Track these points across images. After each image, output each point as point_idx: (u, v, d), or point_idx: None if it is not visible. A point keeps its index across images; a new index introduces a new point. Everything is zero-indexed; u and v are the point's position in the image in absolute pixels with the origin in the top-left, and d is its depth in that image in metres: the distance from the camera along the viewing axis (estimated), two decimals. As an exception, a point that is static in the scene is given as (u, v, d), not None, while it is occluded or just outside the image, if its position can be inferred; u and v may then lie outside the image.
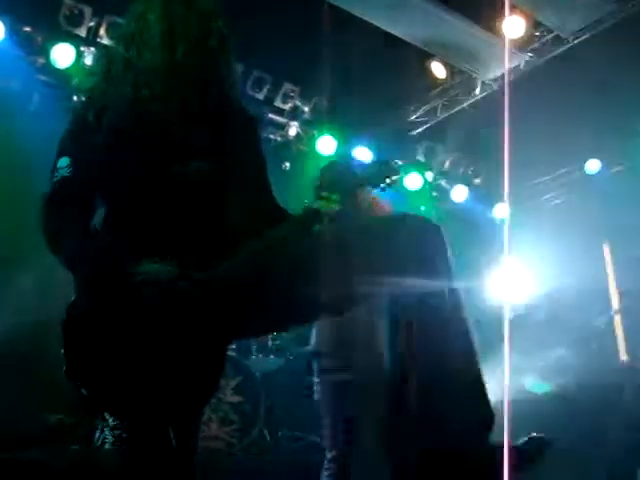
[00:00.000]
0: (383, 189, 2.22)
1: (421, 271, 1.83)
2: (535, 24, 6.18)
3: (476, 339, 1.85)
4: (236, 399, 5.08)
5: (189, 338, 1.87)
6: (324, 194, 2.03)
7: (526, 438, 1.83)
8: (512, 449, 1.77)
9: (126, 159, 1.97)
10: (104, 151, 1.96)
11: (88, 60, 5.81)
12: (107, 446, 1.84)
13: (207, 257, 1.94)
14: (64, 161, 1.96)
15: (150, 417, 1.83)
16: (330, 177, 3.89)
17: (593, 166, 7.85)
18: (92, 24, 5.75)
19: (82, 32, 5.74)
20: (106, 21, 5.70)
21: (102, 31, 5.74)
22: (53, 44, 5.65)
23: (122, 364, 1.82)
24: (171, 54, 2.02)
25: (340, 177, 3.90)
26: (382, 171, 2.19)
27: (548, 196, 8.66)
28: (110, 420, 1.84)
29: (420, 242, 1.86)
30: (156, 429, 1.86)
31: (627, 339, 6.94)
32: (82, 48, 5.78)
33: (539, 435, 1.83)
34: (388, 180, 2.20)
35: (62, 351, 1.84)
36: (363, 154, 7.22)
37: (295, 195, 2.18)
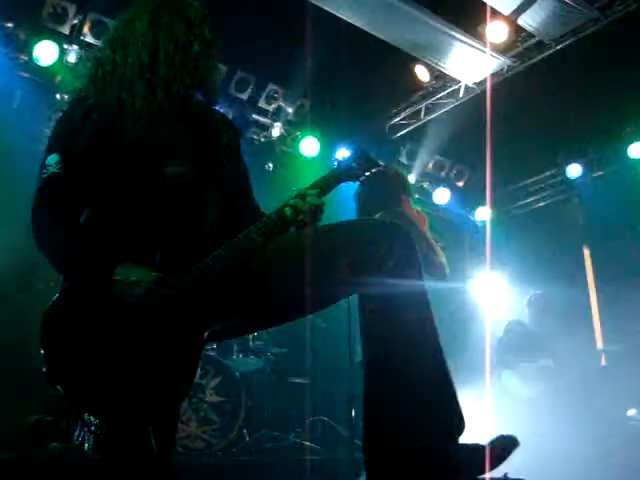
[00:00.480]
0: (362, 182, 2.26)
1: (387, 273, 1.84)
2: (518, 29, 6.24)
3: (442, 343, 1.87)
4: (216, 399, 5.07)
5: (166, 337, 1.89)
6: (301, 192, 2.06)
7: (495, 437, 1.85)
8: (481, 448, 1.80)
9: (110, 159, 2.01)
10: (91, 150, 2.00)
11: (71, 58, 5.79)
12: (86, 444, 1.86)
13: (186, 257, 1.97)
14: (53, 158, 1.98)
15: (129, 416, 1.84)
16: (380, 183, 4.02)
17: (574, 171, 7.92)
18: (76, 22, 5.72)
19: (65, 30, 5.71)
20: (90, 19, 5.68)
21: (86, 29, 5.71)
22: (36, 41, 5.61)
23: (101, 364, 1.83)
24: (153, 57, 2.06)
25: (389, 183, 4.01)
26: (363, 164, 2.25)
27: (530, 200, 8.74)
28: (89, 419, 1.85)
29: (389, 246, 1.87)
30: (135, 428, 1.88)
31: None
32: (65, 46, 5.76)
33: (508, 434, 1.86)
34: (368, 173, 2.26)
35: (42, 352, 1.84)
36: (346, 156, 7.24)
37: (278, 196, 2.20)
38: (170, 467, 2.02)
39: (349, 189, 2.65)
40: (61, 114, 2.13)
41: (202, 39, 2.11)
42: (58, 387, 1.81)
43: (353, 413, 4.84)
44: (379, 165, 2.28)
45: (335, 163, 2.30)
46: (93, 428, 1.88)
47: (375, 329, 1.86)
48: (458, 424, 1.84)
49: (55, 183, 1.97)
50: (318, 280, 1.89)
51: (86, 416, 1.86)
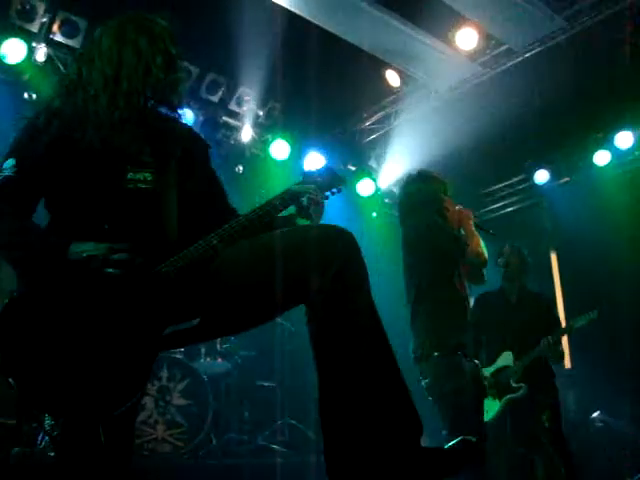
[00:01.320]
0: (327, 197, 2.30)
1: (331, 279, 1.83)
2: (488, 37, 6.30)
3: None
4: (183, 402, 5.05)
5: (120, 330, 1.89)
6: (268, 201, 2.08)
7: (456, 440, 1.86)
8: (443, 452, 1.80)
9: (69, 164, 2.06)
10: (49, 154, 2.05)
11: (39, 56, 5.71)
12: (45, 446, 1.84)
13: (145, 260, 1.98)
14: (10, 162, 2.05)
15: (81, 411, 1.84)
16: (420, 186, 4.09)
17: (542, 177, 8.03)
18: (45, 20, 5.65)
19: (34, 28, 5.64)
20: (59, 17, 5.62)
21: (55, 27, 5.65)
22: (3, 39, 5.50)
23: (54, 356, 1.84)
24: (117, 71, 2.13)
25: (428, 186, 4.11)
26: (328, 180, 2.29)
27: (498, 205, 8.83)
28: (46, 419, 1.84)
29: (329, 246, 1.86)
30: (86, 424, 1.87)
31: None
32: (34, 44, 5.69)
33: (469, 438, 1.86)
34: (335, 189, 2.31)
35: None
36: (316, 159, 7.26)
37: (248, 198, 2.21)
38: (127, 466, 2.00)
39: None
40: (25, 121, 2.16)
41: (165, 53, 2.17)
42: (13, 383, 1.81)
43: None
44: (344, 182, 2.32)
45: (301, 176, 2.32)
46: (47, 427, 1.87)
47: (323, 337, 1.85)
48: (416, 425, 1.83)
49: (8, 186, 2.03)
50: (271, 286, 1.89)
51: (42, 416, 1.86)
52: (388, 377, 1.81)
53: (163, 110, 2.26)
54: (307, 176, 2.31)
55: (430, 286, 3.96)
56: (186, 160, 2.24)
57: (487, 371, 4.92)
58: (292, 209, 2.20)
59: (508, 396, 4.83)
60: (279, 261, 1.88)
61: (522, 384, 4.82)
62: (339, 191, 2.33)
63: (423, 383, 3.83)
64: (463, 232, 4.16)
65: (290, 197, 2.17)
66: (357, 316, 1.83)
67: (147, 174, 2.10)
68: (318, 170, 2.33)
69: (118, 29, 2.19)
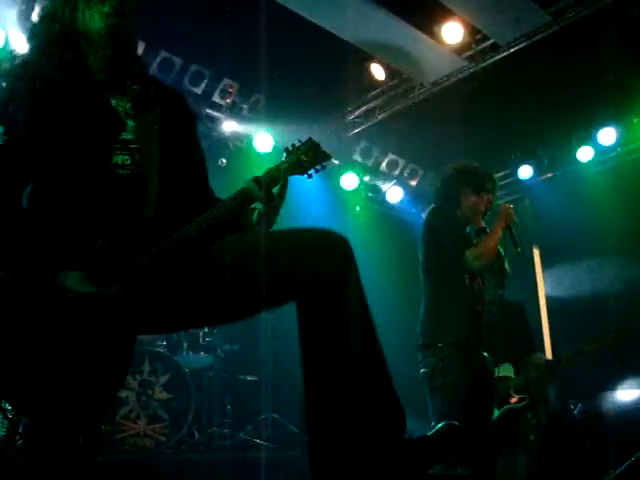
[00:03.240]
0: (311, 175, 2.14)
1: (325, 283, 1.81)
2: (473, 31, 6.29)
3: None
4: (165, 396, 5.00)
5: (95, 331, 1.82)
6: (245, 188, 2.00)
7: (439, 426, 1.82)
8: (428, 441, 1.77)
9: (50, 143, 1.95)
10: (31, 130, 1.93)
11: (17, 44, 5.60)
12: (17, 443, 1.79)
13: (127, 246, 1.91)
14: None
15: (53, 411, 1.78)
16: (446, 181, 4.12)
17: (525, 172, 8.04)
18: (23, 7, 5.54)
19: (12, 14, 5.53)
20: (38, 5, 5.52)
21: (34, 15, 5.55)
22: (-21, 26, 5.42)
23: (24, 356, 1.77)
24: (66, 42, 2.05)
25: (452, 182, 3.98)
26: (313, 157, 2.10)
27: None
28: (13, 415, 1.79)
29: (326, 249, 1.83)
30: (59, 424, 1.81)
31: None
32: (12, 31, 5.57)
33: (453, 423, 1.83)
34: (319, 167, 2.13)
35: None
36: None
37: (231, 191, 2.14)
38: (93, 466, 1.94)
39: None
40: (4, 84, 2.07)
41: (117, 9, 2.01)
42: None
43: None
44: (330, 158, 2.13)
45: (284, 154, 2.13)
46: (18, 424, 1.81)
47: (312, 337, 1.83)
48: (400, 421, 1.82)
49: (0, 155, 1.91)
50: (257, 284, 1.84)
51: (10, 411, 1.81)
52: (376, 379, 1.81)
53: (135, 68, 2.13)
54: (290, 155, 2.11)
55: (438, 277, 3.93)
56: (172, 137, 2.13)
57: None
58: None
59: (508, 407, 4.55)
60: (274, 259, 1.84)
61: (524, 396, 4.58)
62: (323, 168, 2.14)
63: (421, 372, 3.81)
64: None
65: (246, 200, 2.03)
66: (349, 317, 1.80)
67: (127, 157, 1.99)
68: (301, 147, 2.11)
69: None
